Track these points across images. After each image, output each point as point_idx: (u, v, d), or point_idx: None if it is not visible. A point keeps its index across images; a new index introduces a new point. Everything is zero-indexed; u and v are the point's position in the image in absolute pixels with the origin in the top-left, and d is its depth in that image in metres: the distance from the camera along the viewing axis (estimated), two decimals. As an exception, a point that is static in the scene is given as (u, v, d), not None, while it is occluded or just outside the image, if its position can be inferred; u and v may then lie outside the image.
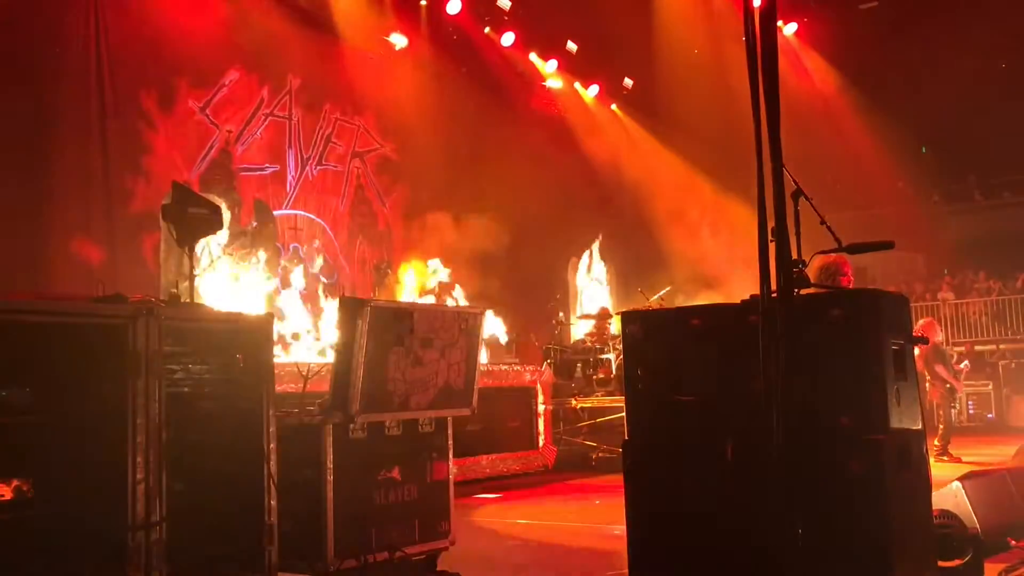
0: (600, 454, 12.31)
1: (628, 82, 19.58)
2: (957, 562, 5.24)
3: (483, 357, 9.33)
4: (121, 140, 11.88)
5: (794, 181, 4.24)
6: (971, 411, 18.32)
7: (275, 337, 5.05)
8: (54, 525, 3.74)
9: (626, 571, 4.37)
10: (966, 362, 13.69)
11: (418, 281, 13.38)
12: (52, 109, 11.10)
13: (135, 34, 12.05)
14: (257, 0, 13.54)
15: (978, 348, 19.91)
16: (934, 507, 4.58)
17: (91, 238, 11.12)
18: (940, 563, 4.77)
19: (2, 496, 3.67)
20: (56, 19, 11.24)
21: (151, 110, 12.35)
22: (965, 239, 24.36)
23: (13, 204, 10.45)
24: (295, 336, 11.51)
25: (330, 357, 5.43)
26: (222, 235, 11.41)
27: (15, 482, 3.73)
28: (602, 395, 12.99)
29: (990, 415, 18.32)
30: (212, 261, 10.38)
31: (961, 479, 5.63)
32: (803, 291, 4.11)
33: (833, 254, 5.41)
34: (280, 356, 9.69)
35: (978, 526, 5.36)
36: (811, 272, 4.23)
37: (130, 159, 11.98)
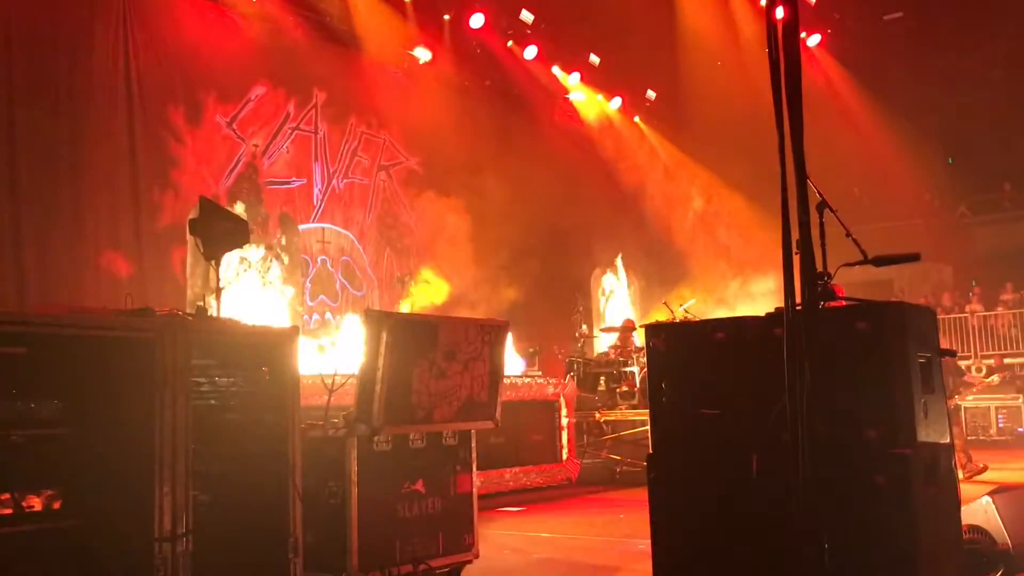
0: (624, 467, 12.26)
1: (651, 94, 19.58)
2: (987, 578, 5.18)
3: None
4: (149, 154, 12.00)
5: (819, 193, 4.23)
6: (1000, 425, 18.05)
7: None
8: (82, 536, 3.78)
9: (651, 585, 4.35)
10: (995, 377, 13.41)
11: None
12: (82, 124, 11.25)
13: (163, 50, 12.20)
14: (282, 15, 13.68)
15: (1007, 360, 19.63)
16: (964, 522, 4.53)
17: (120, 252, 11.24)
18: (970, 579, 4.72)
19: (32, 507, 3.73)
20: (85, 36, 11.40)
21: (179, 125, 12.49)
22: (994, 250, 24.07)
23: (44, 218, 10.59)
24: (321, 348, 11.57)
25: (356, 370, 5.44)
26: (249, 248, 11.54)
27: (45, 493, 3.78)
28: (626, 408, 12.93)
29: (1020, 429, 18.03)
30: (238, 274, 10.46)
31: (991, 494, 5.55)
32: (828, 304, 4.09)
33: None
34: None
35: (1009, 541, 5.28)
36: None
37: (158, 173, 12.10)
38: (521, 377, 11.80)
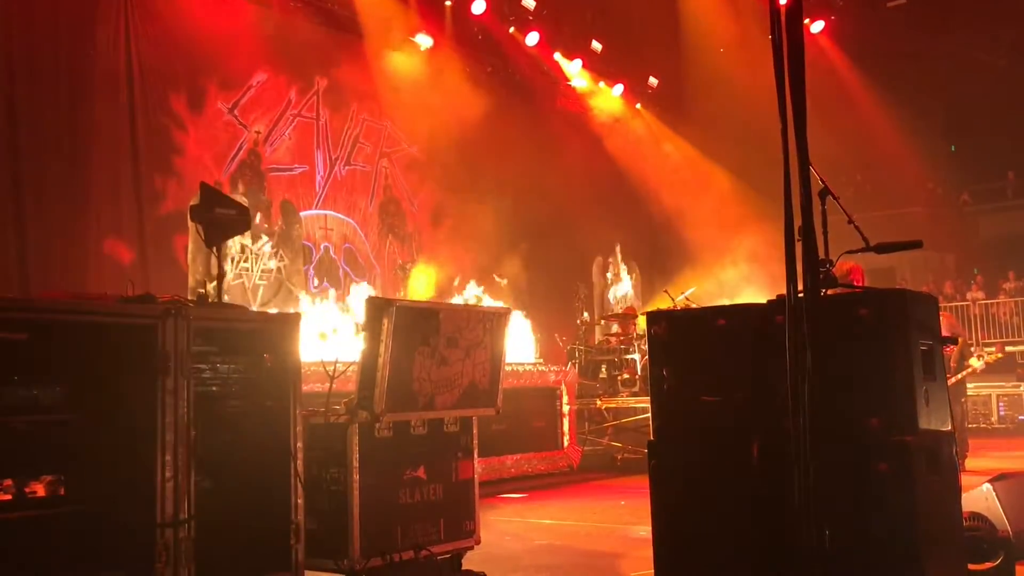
0: (625, 455, 12.29)
1: (653, 81, 19.51)
2: (988, 565, 5.19)
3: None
4: (152, 142, 11.99)
5: (821, 180, 4.23)
6: (1001, 412, 18.07)
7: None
8: (84, 522, 3.79)
9: (652, 572, 4.36)
10: (982, 360, 13.29)
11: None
12: (84, 112, 11.22)
13: (164, 37, 12.17)
14: (284, 2, 13.63)
15: (1009, 348, 19.65)
16: (964, 509, 4.53)
17: (122, 238, 11.24)
18: (970, 566, 4.72)
19: (34, 492, 3.74)
20: (87, 23, 11.36)
21: (181, 112, 12.46)
22: (996, 239, 24.06)
23: (47, 205, 10.59)
24: (323, 335, 11.58)
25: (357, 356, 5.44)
26: (250, 235, 11.53)
27: (47, 479, 3.79)
28: (627, 396, 12.96)
29: (1021, 416, 18.06)
30: (239, 262, 10.46)
31: (992, 481, 5.56)
32: (830, 291, 4.09)
33: (851, 262, 5.38)
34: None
35: (1009, 528, 5.29)
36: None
37: (161, 160, 12.09)
38: (523, 364, 11.81)
